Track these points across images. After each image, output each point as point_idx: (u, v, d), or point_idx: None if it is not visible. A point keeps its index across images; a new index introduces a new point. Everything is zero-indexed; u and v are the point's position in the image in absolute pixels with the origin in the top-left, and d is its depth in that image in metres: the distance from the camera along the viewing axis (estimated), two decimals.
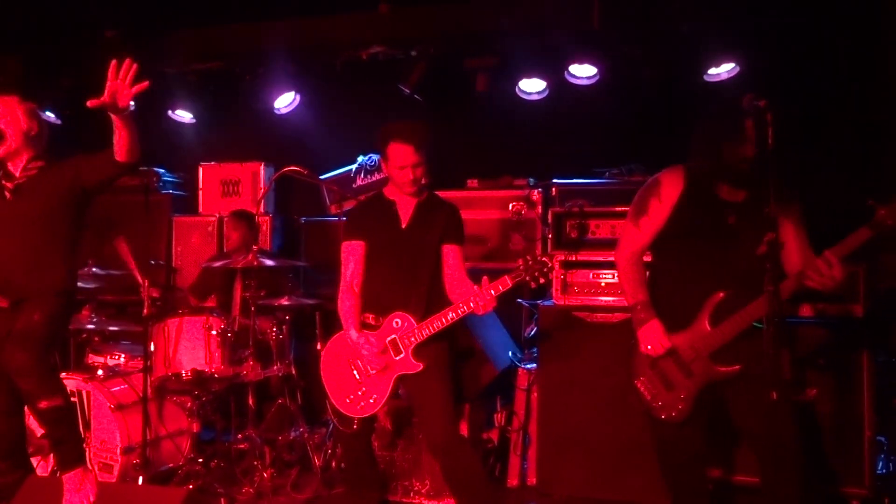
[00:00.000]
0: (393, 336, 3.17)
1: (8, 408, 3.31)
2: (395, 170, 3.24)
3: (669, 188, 2.82)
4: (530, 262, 2.96)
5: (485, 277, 3.02)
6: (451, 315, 3.08)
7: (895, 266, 4.23)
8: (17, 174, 3.33)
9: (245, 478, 4.00)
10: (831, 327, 3.68)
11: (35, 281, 3.23)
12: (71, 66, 5.89)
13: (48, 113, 5.90)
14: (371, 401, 3.22)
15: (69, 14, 5.48)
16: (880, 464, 3.79)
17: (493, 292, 2.98)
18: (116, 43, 5.76)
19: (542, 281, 2.97)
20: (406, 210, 3.32)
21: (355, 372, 3.25)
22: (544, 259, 2.96)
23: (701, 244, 2.79)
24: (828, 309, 3.68)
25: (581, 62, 4.83)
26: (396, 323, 3.17)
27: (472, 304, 3.01)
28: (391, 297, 3.22)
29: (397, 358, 3.16)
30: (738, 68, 4.59)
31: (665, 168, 2.93)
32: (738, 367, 2.69)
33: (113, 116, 3.03)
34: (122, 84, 2.89)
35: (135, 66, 2.89)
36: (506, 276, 2.99)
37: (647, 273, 2.99)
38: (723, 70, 4.65)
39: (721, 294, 2.74)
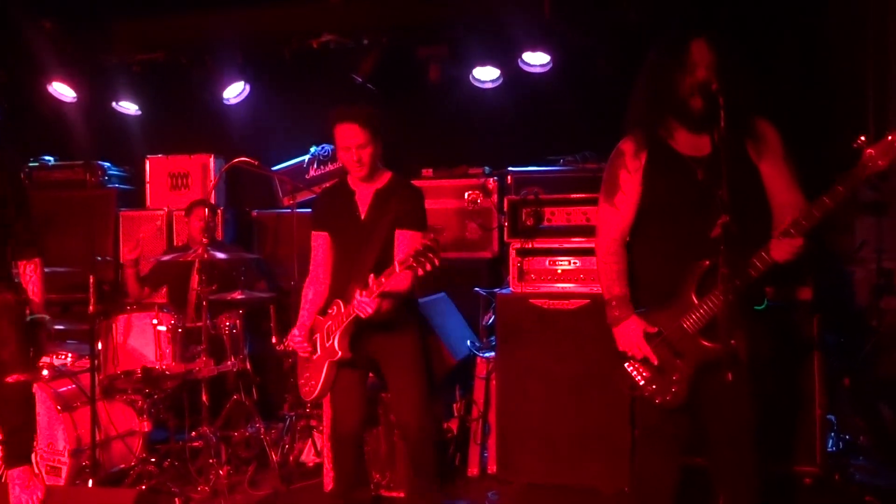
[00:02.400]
0: (329, 322, 3.19)
1: None
2: (341, 151, 3.20)
3: (633, 155, 2.61)
4: (419, 249, 2.73)
5: (371, 275, 2.94)
6: (350, 311, 3.02)
7: (843, 247, 4.35)
8: None
9: (200, 476, 3.90)
10: (782, 309, 3.75)
11: None
12: (6, 59, 5.67)
13: None
14: (311, 385, 3.28)
15: (4, 2, 5.27)
16: (830, 442, 3.88)
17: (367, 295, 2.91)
18: (56, 33, 5.56)
19: (429, 268, 2.73)
20: (364, 200, 3.27)
21: (304, 356, 3.33)
22: (430, 244, 2.72)
23: (676, 214, 2.57)
24: (778, 291, 3.75)
25: (534, 50, 4.83)
26: (333, 309, 3.19)
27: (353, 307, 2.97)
28: (343, 286, 3.19)
29: (327, 344, 3.17)
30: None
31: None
32: (732, 342, 2.30)
33: None
34: None
35: None
36: (380, 276, 2.89)
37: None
38: None
39: (706, 262, 2.47)
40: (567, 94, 4.97)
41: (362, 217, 3.25)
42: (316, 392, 3.24)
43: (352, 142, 3.12)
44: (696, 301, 2.51)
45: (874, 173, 2.26)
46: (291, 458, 4.17)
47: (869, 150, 2.25)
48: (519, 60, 4.87)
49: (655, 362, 2.55)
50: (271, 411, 4.66)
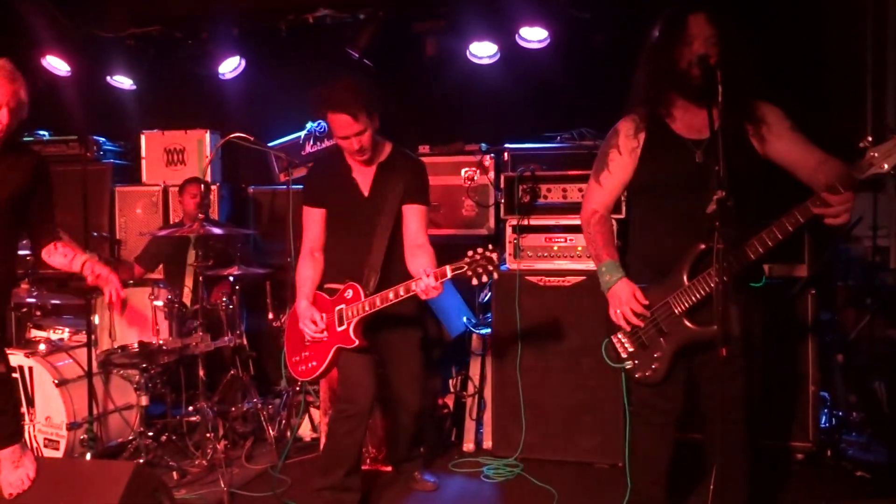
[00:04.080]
0: (341, 306, 3.12)
1: None
2: (338, 140, 3.11)
3: (628, 137, 2.63)
4: (477, 258, 2.78)
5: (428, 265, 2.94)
6: (391, 295, 2.97)
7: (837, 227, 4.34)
8: None
9: (198, 451, 3.94)
10: (778, 286, 3.77)
11: None
12: (1, 31, 5.61)
13: None
14: (310, 365, 3.21)
15: None
16: (823, 418, 3.92)
17: (435, 281, 2.85)
18: (49, 6, 5.50)
19: (484, 279, 2.78)
20: (366, 176, 3.20)
21: (306, 336, 3.22)
22: (491, 256, 2.78)
23: (674, 194, 2.57)
24: (775, 269, 3.76)
25: (531, 25, 4.79)
26: (348, 294, 3.12)
27: (414, 289, 2.90)
28: (350, 266, 3.15)
29: (339, 329, 3.11)
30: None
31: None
32: (714, 327, 2.29)
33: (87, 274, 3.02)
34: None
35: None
36: (447, 266, 2.85)
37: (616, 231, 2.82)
38: None
39: (702, 245, 2.48)
40: (564, 70, 4.92)
41: (366, 193, 3.18)
42: (316, 373, 3.17)
43: (347, 131, 3.02)
44: (686, 282, 2.53)
45: (876, 174, 2.27)
46: (288, 433, 4.20)
47: (872, 153, 2.26)
48: (516, 36, 4.83)
49: (641, 324, 2.58)
50: (267, 387, 4.68)
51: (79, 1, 5.56)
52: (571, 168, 4.07)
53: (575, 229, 3.90)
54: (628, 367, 2.64)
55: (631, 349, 2.64)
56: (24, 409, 3.81)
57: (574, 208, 3.90)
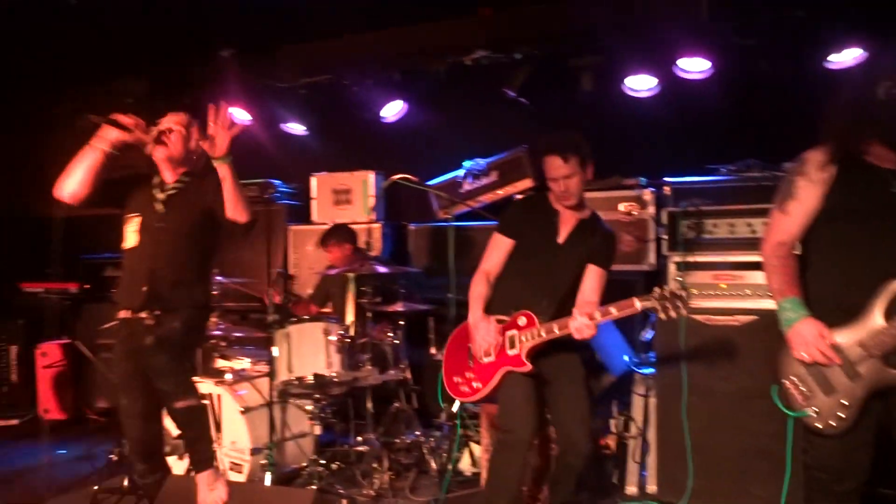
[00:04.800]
0: (514, 332, 3.20)
1: (148, 412, 3.45)
2: (549, 181, 3.28)
3: (818, 165, 2.48)
4: (667, 294, 2.87)
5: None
6: (556, 328, 3.08)
7: None
8: (169, 183, 3.45)
9: (365, 479, 4.11)
10: None
11: (178, 295, 3.35)
12: (190, 85, 6.23)
13: None
14: (474, 386, 3.27)
15: (188, 36, 5.79)
16: None
17: (590, 319, 2.98)
18: (231, 61, 6.05)
19: (673, 316, 2.86)
20: (567, 224, 3.33)
21: (470, 355, 3.30)
22: (681, 293, 2.84)
23: (865, 224, 2.42)
24: None
25: (691, 56, 4.68)
26: (521, 320, 3.20)
27: (570, 327, 3.03)
28: (527, 299, 3.24)
29: (510, 353, 3.18)
30: (865, 54, 4.32)
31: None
32: None
33: (217, 165, 3.21)
34: (218, 129, 3.15)
35: (227, 110, 3.19)
36: (634, 298, 2.94)
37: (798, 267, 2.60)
38: (846, 57, 4.38)
39: None
40: (727, 100, 4.76)
41: (560, 240, 3.31)
42: (479, 395, 3.25)
43: (556, 173, 3.21)
44: (883, 323, 2.34)
45: None
46: (450, 466, 4.28)
47: None
48: (675, 67, 4.74)
49: (838, 361, 2.39)
50: (430, 419, 4.81)
51: (257, 55, 6.08)
52: (738, 202, 3.91)
53: (744, 266, 3.75)
54: (809, 415, 2.45)
55: (810, 395, 2.44)
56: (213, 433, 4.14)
57: (742, 244, 3.78)
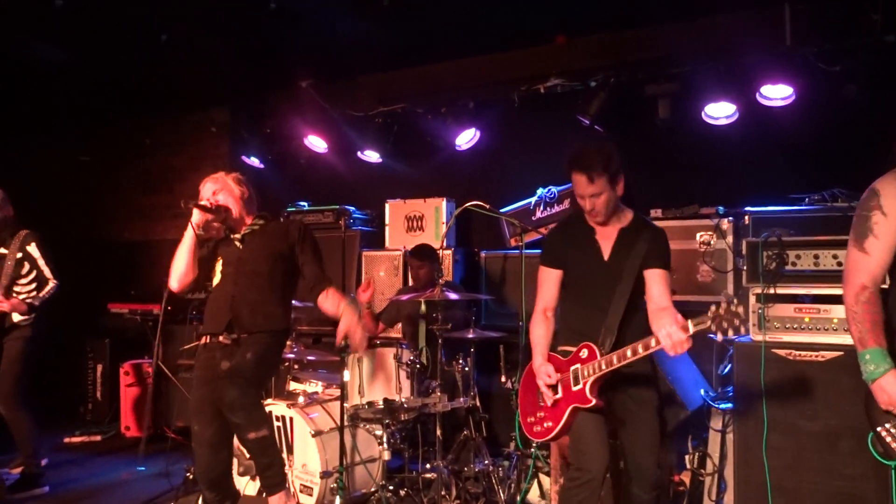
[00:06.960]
0: (576, 366, 3.11)
1: (218, 440, 3.53)
2: (577, 198, 3.18)
3: (892, 197, 2.38)
4: (721, 312, 2.68)
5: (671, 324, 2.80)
6: (629, 353, 2.92)
7: None
8: (243, 231, 3.72)
9: None
10: None
11: (256, 321, 3.51)
12: (271, 116, 6.46)
13: (252, 158, 6.49)
14: (546, 426, 3.20)
15: (267, 69, 6.01)
16: None
17: (684, 333, 2.74)
18: (309, 91, 6.25)
19: (730, 334, 2.68)
20: (608, 239, 3.21)
21: (540, 396, 3.24)
22: (738, 310, 2.66)
23: None
24: None
25: (774, 82, 4.56)
26: (583, 353, 3.12)
27: (654, 345, 2.83)
28: (586, 328, 3.15)
29: (574, 389, 3.09)
30: None
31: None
32: None
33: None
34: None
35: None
36: (688, 321, 2.76)
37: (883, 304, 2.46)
38: None
39: None
40: (811, 127, 4.62)
41: (605, 257, 3.19)
42: (552, 434, 3.17)
43: (583, 191, 3.10)
44: None
45: None
46: (518, 497, 4.22)
47: None
48: (757, 94, 4.62)
49: None
50: (498, 449, 4.76)
51: (334, 86, 6.25)
52: (823, 232, 3.76)
53: (828, 300, 3.59)
54: None
55: None
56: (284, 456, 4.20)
57: (826, 277, 3.63)
